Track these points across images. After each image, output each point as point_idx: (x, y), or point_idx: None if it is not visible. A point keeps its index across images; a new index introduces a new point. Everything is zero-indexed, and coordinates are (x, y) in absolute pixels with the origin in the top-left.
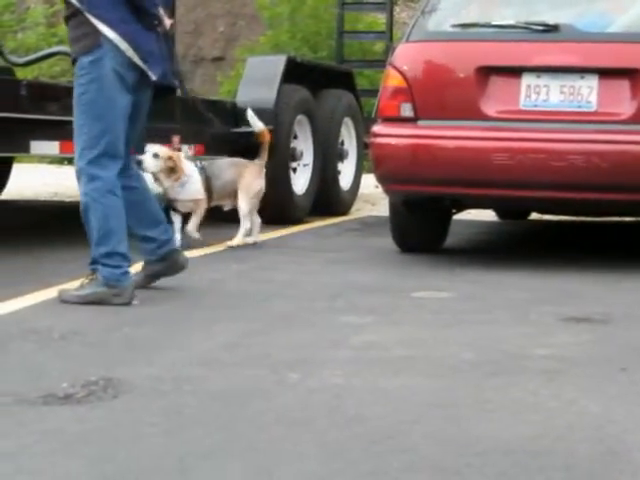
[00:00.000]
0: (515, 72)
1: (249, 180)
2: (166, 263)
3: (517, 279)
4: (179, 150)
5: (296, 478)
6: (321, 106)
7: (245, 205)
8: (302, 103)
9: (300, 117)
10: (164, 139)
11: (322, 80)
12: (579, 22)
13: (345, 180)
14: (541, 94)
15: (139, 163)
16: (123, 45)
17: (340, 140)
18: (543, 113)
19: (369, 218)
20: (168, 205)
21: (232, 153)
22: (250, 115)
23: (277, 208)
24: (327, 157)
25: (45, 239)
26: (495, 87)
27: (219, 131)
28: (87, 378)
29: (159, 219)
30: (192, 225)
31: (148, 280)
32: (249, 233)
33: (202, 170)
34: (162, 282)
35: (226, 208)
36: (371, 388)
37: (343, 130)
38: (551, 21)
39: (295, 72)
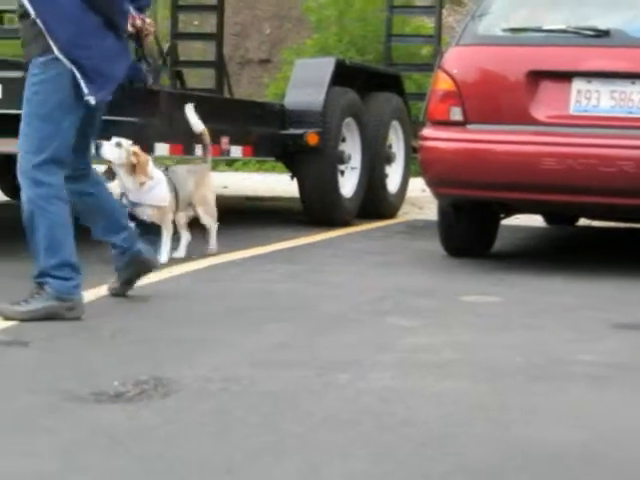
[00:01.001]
0: (566, 77)
1: (207, 188)
2: (133, 267)
3: (565, 284)
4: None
5: (344, 479)
6: (369, 109)
7: (211, 216)
8: (350, 106)
9: (348, 120)
10: (214, 139)
11: (370, 83)
12: (630, 27)
13: (393, 183)
14: (591, 99)
15: (96, 148)
16: (67, 64)
17: (388, 143)
18: (593, 118)
19: (416, 221)
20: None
21: (281, 155)
22: (189, 112)
23: (325, 211)
24: (375, 160)
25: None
26: (545, 92)
27: (267, 133)
28: (138, 377)
29: (121, 225)
30: (165, 244)
31: (124, 288)
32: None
33: (169, 180)
34: (212, 281)
35: (182, 221)
36: (419, 391)
37: (391, 133)
38: (602, 26)
39: (344, 75)
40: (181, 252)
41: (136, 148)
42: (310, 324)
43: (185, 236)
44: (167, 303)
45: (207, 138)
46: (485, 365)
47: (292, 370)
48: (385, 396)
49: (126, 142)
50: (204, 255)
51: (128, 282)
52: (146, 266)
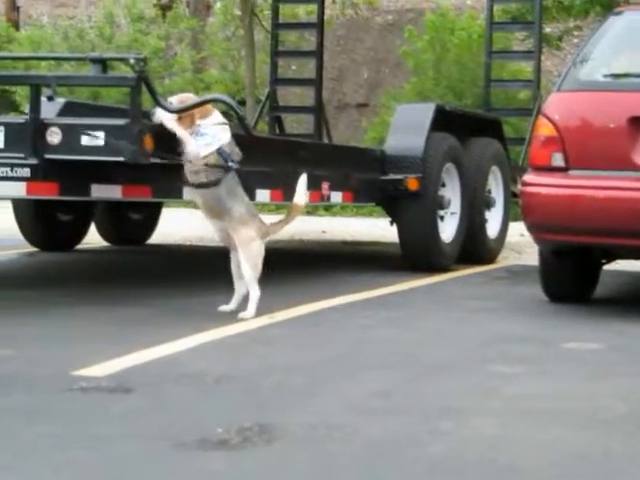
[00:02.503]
0: None
1: (251, 235)
2: None
3: None
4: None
5: None
6: (469, 154)
7: (251, 266)
8: (450, 151)
9: (448, 165)
10: (314, 185)
11: (470, 128)
12: None
13: (492, 228)
14: None
15: (151, 115)
16: None
17: (487, 188)
18: None
19: (516, 267)
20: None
21: (380, 200)
22: (301, 182)
23: (424, 256)
24: (474, 205)
25: (194, 283)
26: None
27: (367, 178)
28: (241, 423)
29: None
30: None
31: None
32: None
33: (229, 168)
34: (313, 327)
35: (220, 239)
36: (524, 439)
37: (490, 178)
38: None
39: (444, 120)
40: (232, 305)
41: (189, 95)
42: (412, 371)
43: (239, 287)
44: (270, 349)
45: (293, 216)
46: (590, 413)
47: (396, 417)
48: (490, 444)
49: (177, 97)
50: (240, 319)
51: None
52: None
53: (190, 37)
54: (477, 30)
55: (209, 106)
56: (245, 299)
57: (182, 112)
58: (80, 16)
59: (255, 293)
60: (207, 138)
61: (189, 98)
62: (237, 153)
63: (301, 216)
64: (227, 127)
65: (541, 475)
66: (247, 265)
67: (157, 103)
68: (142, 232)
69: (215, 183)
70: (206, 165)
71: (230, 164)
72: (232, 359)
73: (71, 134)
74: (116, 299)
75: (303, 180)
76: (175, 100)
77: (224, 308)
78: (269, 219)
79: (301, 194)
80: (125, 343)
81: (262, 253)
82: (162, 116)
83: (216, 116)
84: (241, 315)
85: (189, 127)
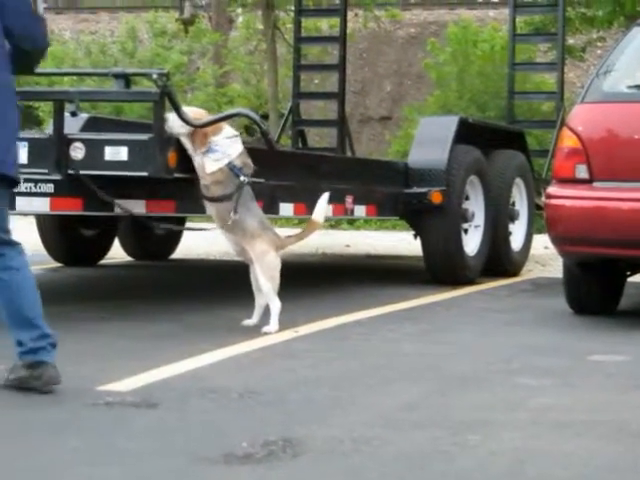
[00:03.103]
0: None
1: (264, 248)
2: (31, 372)
3: None
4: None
5: None
6: (493, 167)
7: (266, 280)
8: (474, 164)
9: (472, 178)
10: (338, 199)
11: (494, 140)
12: None
13: (516, 241)
14: None
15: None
16: None
17: (511, 201)
18: None
19: (540, 279)
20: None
21: (404, 213)
22: (322, 201)
23: (449, 269)
24: (498, 218)
25: (218, 297)
26: None
27: (391, 192)
28: (266, 438)
29: (31, 321)
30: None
31: (15, 384)
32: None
33: (242, 183)
34: (339, 341)
35: (236, 253)
36: (551, 451)
37: (514, 191)
38: None
39: (467, 132)
40: (254, 319)
41: (200, 111)
42: (438, 384)
43: (259, 299)
44: (294, 363)
45: (309, 231)
46: (617, 425)
47: (423, 430)
48: (517, 456)
49: (192, 110)
50: (263, 333)
51: (21, 383)
52: (45, 380)
53: (212, 51)
54: (500, 42)
55: (221, 122)
56: (267, 312)
57: (205, 126)
58: (102, 31)
59: (275, 306)
60: (217, 154)
61: (203, 114)
62: (249, 165)
63: (324, 230)
64: (237, 139)
65: None
66: (263, 278)
67: (181, 118)
68: (166, 247)
69: (227, 197)
70: (216, 180)
71: (242, 179)
72: (256, 373)
73: (94, 149)
74: (140, 314)
75: (324, 198)
76: (190, 112)
77: (247, 322)
78: (290, 232)
79: (320, 211)
80: (149, 358)
81: (278, 265)
82: (174, 127)
83: (227, 131)
84: (265, 329)
85: (202, 144)
